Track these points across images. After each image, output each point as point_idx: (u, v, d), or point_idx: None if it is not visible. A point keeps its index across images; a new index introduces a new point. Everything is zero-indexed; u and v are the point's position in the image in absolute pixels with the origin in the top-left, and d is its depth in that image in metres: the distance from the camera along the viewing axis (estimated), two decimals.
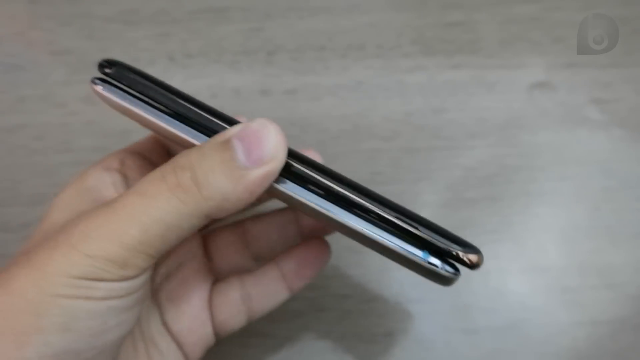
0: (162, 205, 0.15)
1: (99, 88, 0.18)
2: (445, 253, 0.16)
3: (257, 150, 0.16)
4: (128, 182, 0.20)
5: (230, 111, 0.24)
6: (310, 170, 0.17)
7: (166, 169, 0.16)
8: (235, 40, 0.34)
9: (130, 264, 0.15)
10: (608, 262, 0.29)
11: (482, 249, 0.28)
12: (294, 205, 0.17)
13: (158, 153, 0.22)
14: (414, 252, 0.16)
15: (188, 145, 0.18)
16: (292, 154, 0.17)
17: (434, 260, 0.16)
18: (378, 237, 0.16)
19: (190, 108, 0.17)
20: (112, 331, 0.16)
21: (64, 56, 0.33)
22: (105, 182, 0.19)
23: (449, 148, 0.31)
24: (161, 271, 0.22)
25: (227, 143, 0.16)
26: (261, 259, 0.24)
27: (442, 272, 0.16)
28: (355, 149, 0.31)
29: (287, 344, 0.27)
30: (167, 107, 0.18)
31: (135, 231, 0.15)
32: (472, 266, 0.16)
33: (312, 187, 0.17)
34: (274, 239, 0.24)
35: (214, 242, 0.24)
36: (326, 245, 0.23)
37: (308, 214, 0.17)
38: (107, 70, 0.18)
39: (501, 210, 0.30)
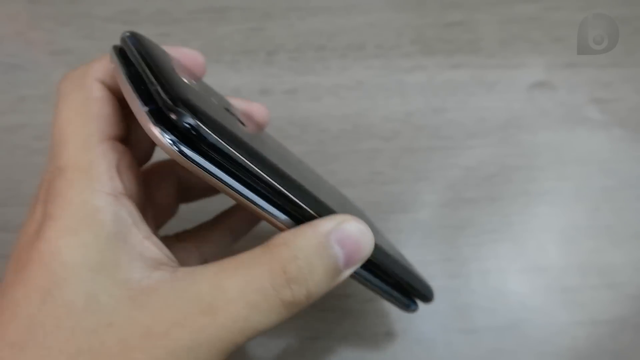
0: (273, 320, 0.15)
1: (167, 142, 0.14)
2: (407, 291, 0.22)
3: (357, 258, 0.17)
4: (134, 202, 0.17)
5: None
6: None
7: (278, 281, 0.15)
8: (235, 40, 0.34)
9: None
10: (608, 261, 0.29)
11: (482, 249, 0.29)
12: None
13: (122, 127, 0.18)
14: (404, 301, 0.22)
15: (250, 209, 0.15)
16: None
17: (414, 306, 0.22)
18: (371, 284, 0.20)
19: (269, 182, 0.15)
20: None
21: (63, 56, 0.33)
22: (127, 225, 0.15)
23: (449, 148, 0.31)
24: None
25: (330, 249, 0.16)
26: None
27: (414, 310, 0.22)
28: (355, 148, 0.31)
29: (288, 344, 0.27)
30: (240, 174, 0.15)
31: (241, 342, 0.15)
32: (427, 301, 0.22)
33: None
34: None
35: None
36: None
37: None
38: (185, 125, 0.13)
39: (501, 210, 0.30)
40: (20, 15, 0.35)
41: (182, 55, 0.20)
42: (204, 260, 0.22)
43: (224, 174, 0.14)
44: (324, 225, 0.16)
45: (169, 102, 0.13)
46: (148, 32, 0.36)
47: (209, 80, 0.33)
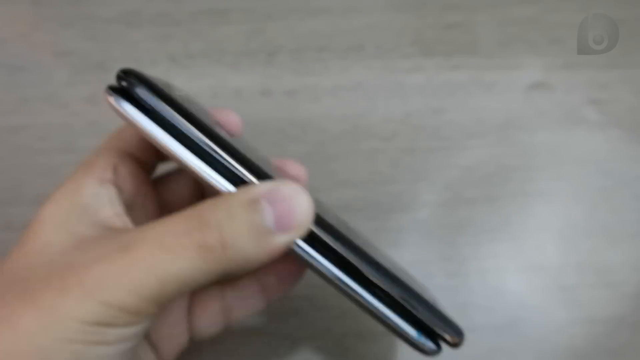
0: (184, 265, 0.15)
1: (112, 100, 0.16)
2: (434, 333, 0.18)
3: (287, 218, 0.16)
4: (122, 196, 0.19)
5: None
6: (327, 237, 0.17)
7: (191, 224, 0.15)
8: (236, 41, 0.34)
9: (143, 312, 0.15)
10: (605, 260, 0.29)
11: (480, 248, 0.29)
12: (303, 264, 0.18)
13: (148, 151, 0.21)
14: (410, 332, 0.18)
15: (199, 179, 0.17)
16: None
17: (424, 340, 0.18)
18: (381, 312, 0.18)
19: (213, 148, 0.17)
20: None
21: (66, 57, 0.34)
22: (102, 201, 0.18)
23: (448, 148, 0.32)
24: None
25: (257, 204, 0.15)
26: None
27: (427, 349, 0.18)
28: (355, 149, 0.31)
29: (288, 342, 0.27)
30: (186, 140, 0.17)
31: (154, 285, 0.15)
32: (453, 345, 0.18)
33: (326, 252, 0.17)
34: None
35: None
36: None
37: (316, 274, 0.18)
38: (125, 84, 0.16)
39: (499, 210, 0.30)
40: (22, 16, 0.35)
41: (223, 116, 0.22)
42: (225, 317, 0.22)
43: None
44: (258, 187, 0.16)
45: None
46: (150, 33, 0.36)
47: (210, 81, 0.34)
